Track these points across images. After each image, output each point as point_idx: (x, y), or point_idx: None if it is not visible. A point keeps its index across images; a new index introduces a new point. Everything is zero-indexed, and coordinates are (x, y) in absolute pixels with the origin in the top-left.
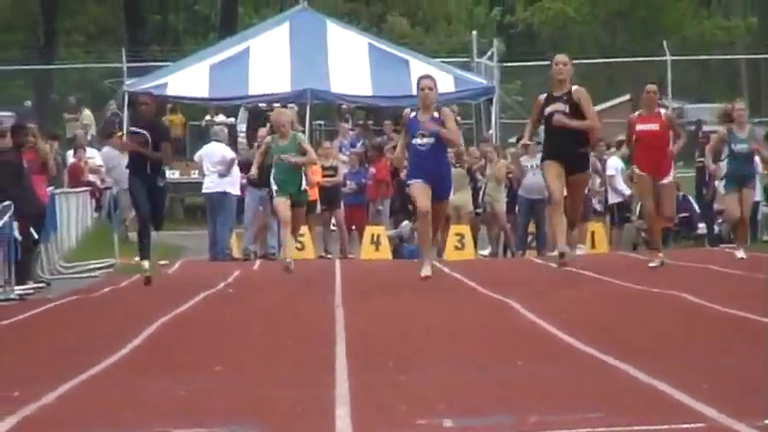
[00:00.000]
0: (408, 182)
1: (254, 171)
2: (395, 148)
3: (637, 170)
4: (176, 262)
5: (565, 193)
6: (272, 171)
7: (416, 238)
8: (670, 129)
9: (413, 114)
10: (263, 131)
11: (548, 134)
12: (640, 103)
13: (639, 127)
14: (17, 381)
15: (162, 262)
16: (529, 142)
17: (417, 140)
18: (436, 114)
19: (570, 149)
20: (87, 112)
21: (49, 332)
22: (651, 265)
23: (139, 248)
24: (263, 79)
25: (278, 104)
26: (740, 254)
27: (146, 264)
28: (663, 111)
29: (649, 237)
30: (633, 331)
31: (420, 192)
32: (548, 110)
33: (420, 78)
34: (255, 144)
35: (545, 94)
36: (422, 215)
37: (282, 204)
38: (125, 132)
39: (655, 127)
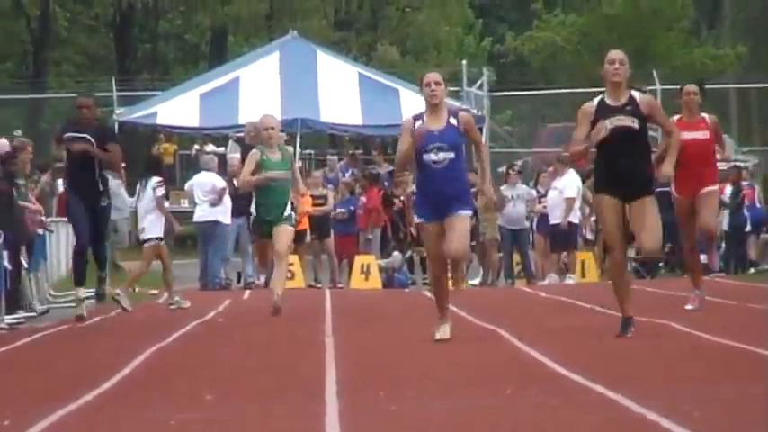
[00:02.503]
0: (417, 219)
1: (242, 180)
2: (391, 173)
3: (675, 193)
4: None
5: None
6: (254, 194)
7: (416, 268)
8: (716, 135)
9: (418, 124)
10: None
11: (604, 154)
12: (679, 108)
13: (685, 135)
14: (7, 409)
15: (152, 291)
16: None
17: (431, 156)
18: (453, 121)
19: (634, 173)
20: None
21: (39, 362)
22: (688, 307)
23: (75, 276)
24: (254, 108)
25: None
26: None
27: (81, 293)
28: (706, 116)
29: (689, 274)
30: (623, 360)
31: (432, 239)
32: (607, 124)
33: (426, 75)
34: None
35: (596, 102)
36: (435, 273)
37: (262, 250)
38: (63, 140)
39: (701, 135)
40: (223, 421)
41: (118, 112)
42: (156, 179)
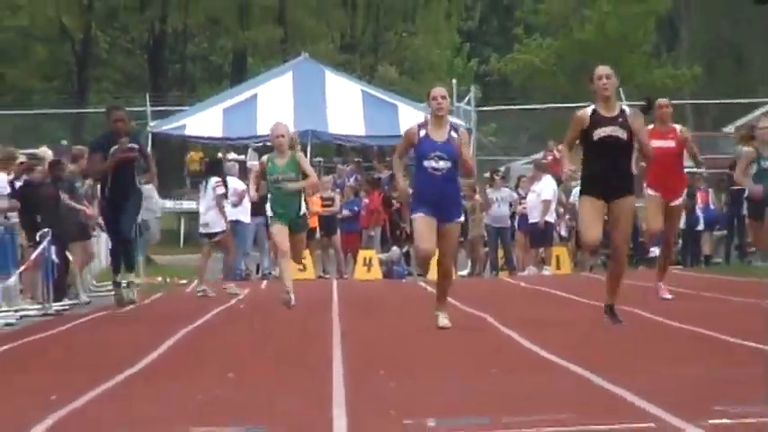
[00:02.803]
0: (413, 215)
1: (252, 194)
2: (390, 178)
3: (650, 191)
4: (193, 282)
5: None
6: (269, 196)
7: (412, 261)
8: (684, 147)
9: (423, 132)
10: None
11: (591, 158)
12: (653, 118)
13: (656, 144)
14: (54, 386)
15: (181, 281)
16: (572, 168)
17: (431, 163)
18: (454, 134)
19: (617, 177)
20: None
21: (82, 344)
22: (667, 297)
23: (113, 267)
24: (270, 121)
25: None
26: None
27: (119, 278)
28: (678, 126)
29: (661, 263)
30: (596, 343)
31: (424, 230)
32: (598, 133)
33: (433, 89)
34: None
35: (589, 111)
36: (423, 259)
37: (280, 233)
38: (110, 153)
39: (669, 144)
40: (244, 396)
41: (151, 124)
42: (215, 179)
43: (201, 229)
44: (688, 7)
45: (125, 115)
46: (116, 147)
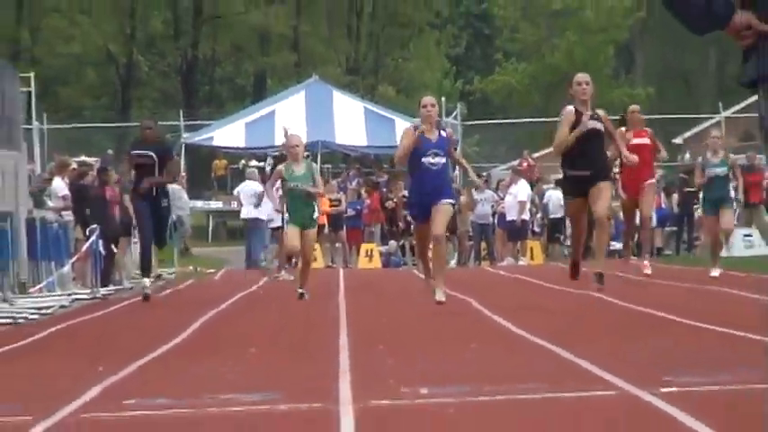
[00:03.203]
0: (412, 221)
1: (277, 205)
2: (387, 182)
3: (623, 194)
4: (221, 271)
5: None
6: (286, 199)
7: (407, 253)
8: (654, 143)
9: (418, 133)
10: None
11: (575, 150)
12: (627, 122)
13: (633, 141)
14: (101, 358)
15: (209, 270)
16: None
17: (429, 159)
18: (443, 133)
19: (596, 162)
20: None
21: (124, 324)
22: (647, 272)
23: (141, 267)
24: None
25: None
26: (714, 272)
27: (146, 281)
28: (648, 129)
29: (626, 254)
30: (565, 323)
31: (421, 231)
32: (587, 124)
33: (423, 98)
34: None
35: (573, 109)
36: (420, 249)
37: (292, 235)
38: (129, 155)
39: (643, 141)
40: (263, 369)
41: (184, 136)
42: (356, 181)
43: (270, 225)
44: (642, 37)
45: (153, 126)
46: (137, 151)
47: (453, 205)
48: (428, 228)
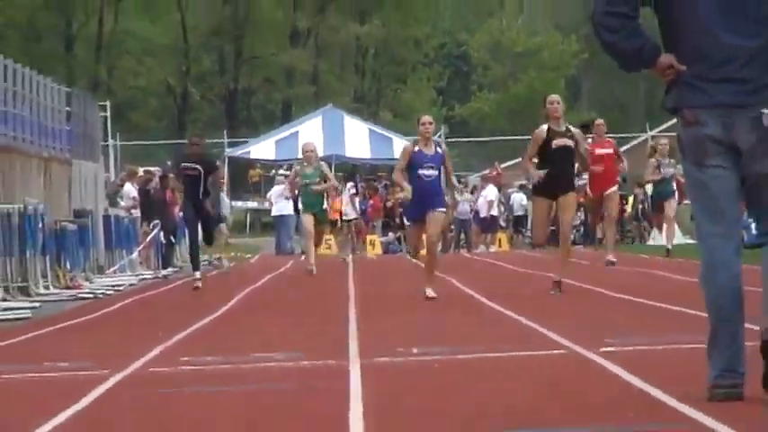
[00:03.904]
0: (407, 221)
1: (288, 194)
2: (386, 187)
3: (590, 193)
4: (256, 256)
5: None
6: (300, 195)
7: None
8: (616, 154)
9: (416, 148)
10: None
11: (547, 164)
12: (593, 133)
13: (598, 151)
14: (160, 325)
15: (247, 255)
16: (541, 174)
17: (424, 171)
18: (439, 150)
19: (564, 176)
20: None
21: (182, 295)
22: (612, 259)
23: (191, 263)
24: None
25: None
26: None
27: (197, 274)
28: (611, 140)
29: (606, 241)
30: (527, 296)
31: (415, 234)
32: (557, 143)
33: (422, 116)
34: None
35: (545, 128)
36: (412, 246)
37: (308, 220)
38: (179, 167)
39: (607, 151)
40: (291, 331)
41: (227, 151)
42: (350, 184)
43: (344, 217)
44: (587, 72)
45: (199, 141)
46: (185, 164)
47: (445, 213)
48: (421, 230)
